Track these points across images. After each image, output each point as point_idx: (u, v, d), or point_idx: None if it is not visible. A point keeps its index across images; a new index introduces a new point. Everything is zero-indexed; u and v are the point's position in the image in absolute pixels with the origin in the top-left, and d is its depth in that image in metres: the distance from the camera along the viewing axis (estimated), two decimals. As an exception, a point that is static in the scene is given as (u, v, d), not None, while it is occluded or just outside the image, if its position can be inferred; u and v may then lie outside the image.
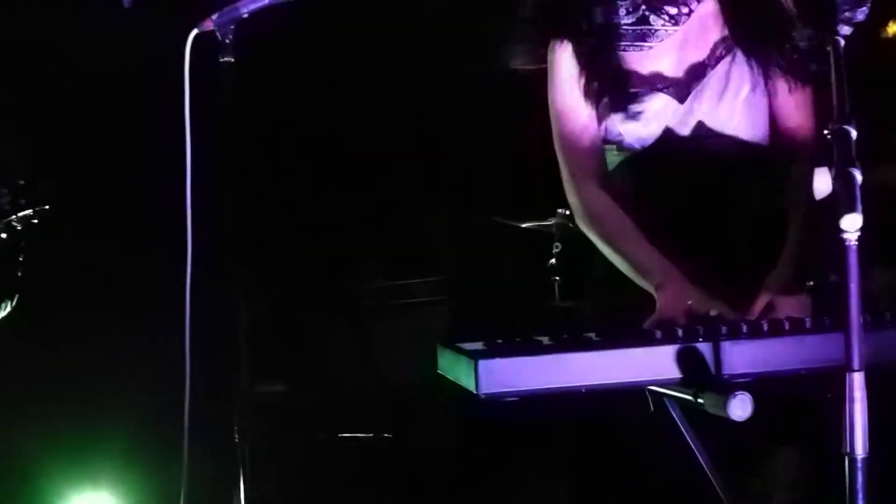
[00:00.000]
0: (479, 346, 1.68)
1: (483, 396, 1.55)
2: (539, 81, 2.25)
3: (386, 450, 4.53)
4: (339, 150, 4.81)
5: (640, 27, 2.10)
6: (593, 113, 2.14)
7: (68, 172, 3.72)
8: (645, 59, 2.11)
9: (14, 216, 2.55)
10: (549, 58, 2.18)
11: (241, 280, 2.27)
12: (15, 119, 2.86)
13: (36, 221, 2.59)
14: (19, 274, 2.73)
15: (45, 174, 2.68)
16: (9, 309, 2.72)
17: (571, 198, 2.18)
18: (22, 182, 2.56)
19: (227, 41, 2.20)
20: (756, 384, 1.53)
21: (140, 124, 4.06)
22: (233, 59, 2.22)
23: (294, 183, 4.82)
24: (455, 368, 1.71)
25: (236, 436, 2.25)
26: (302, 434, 4.57)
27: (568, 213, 3.74)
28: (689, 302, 1.85)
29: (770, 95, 2.10)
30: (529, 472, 3.82)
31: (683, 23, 2.09)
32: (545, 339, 1.68)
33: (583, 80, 2.13)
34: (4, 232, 2.54)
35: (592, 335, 1.70)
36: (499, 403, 1.58)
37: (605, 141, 2.18)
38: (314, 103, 4.77)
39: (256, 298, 4.61)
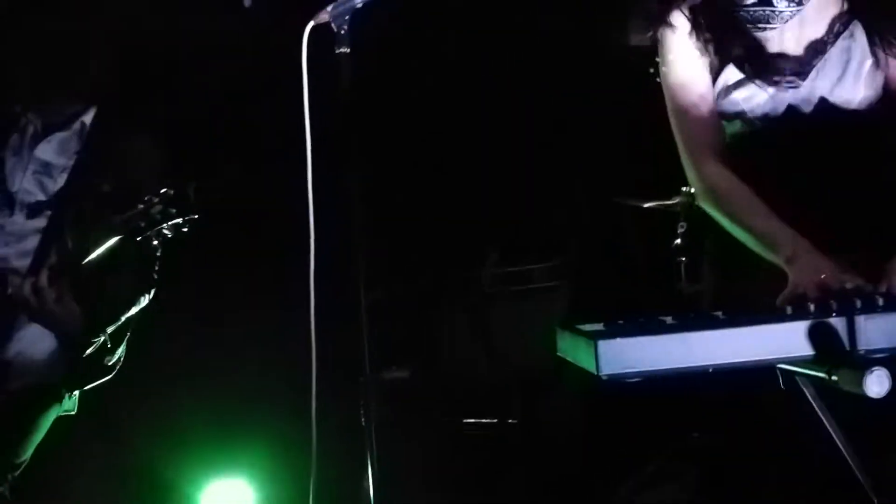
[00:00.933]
0: (598, 327, 1.67)
1: (604, 378, 1.54)
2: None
3: (510, 435, 4.53)
4: (458, 135, 4.82)
5: (762, 8, 2.09)
6: (710, 86, 2.12)
7: (205, 173, 3.84)
8: (766, 37, 2.10)
9: (165, 224, 2.61)
10: (663, 33, 2.16)
11: (363, 267, 2.30)
12: (157, 127, 2.97)
13: (186, 230, 2.65)
14: (157, 268, 2.83)
15: (188, 179, 2.76)
16: (146, 302, 2.83)
17: (691, 174, 2.16)
18: (171, 191, 2.61)
19: (343, 32, 2.24)
20: (894, 359, 1.47)
21: (263, 118, 4.17)
22: (349, 50, 2.26)
23: (414, 170, 4.86)
24: (575, 350, 1.70)
25: (363, 420, 2.29)
26: (427, 420, 4.62)
27: (692, 190, 3.66)
28: (823, 276, 1.80)
29: (888, 68, 2.08)
30: (655, 455, 3.76)
31: (806, 2, 2.07)
32: (668, 319, 1.66)
33: (702, 55, 2.12)
34: (156, 239, 2.62)
35: (719, 313, 1.67)
36: (621, 385, 1.57)
37: (724, 116, 2.15)
38: (432, 89, 4.79)
39: (379, 285, 4.70)
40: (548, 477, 4.02)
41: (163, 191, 2.58)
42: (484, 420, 4.60)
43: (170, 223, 2.59)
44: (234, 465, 3.75)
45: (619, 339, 1.54)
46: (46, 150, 2.80)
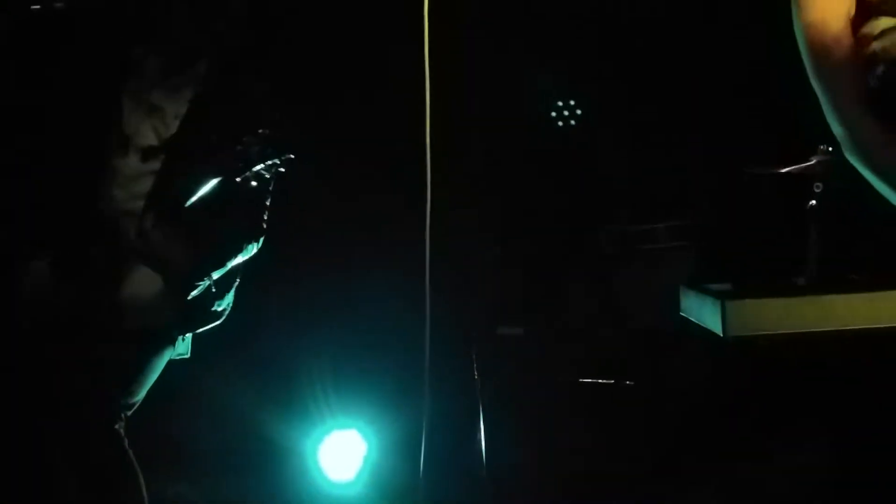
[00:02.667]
0: (726, 287, 1.58)
1: (730, 339, 1.45)
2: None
3: (627, 397, 4.44)
4: (583, 91, 4.70)
5: None
6: (849, 29, 1.94)
7: (308, 114, 3.84)
8: None
9: (262, 164, 2.65)
10: None
11: (476, 222, 2.25)
12: (256, 65, 2.97)
13: (283, 170, 2.68)
14: (265, 218, 2.85)
15: (286, 120, 2.77)
16: (255, 251, 2.85)
17: (836, 128, 1.99)
18: (268, 131, 2.64)
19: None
20: None
21: (375, 67, 4.12)
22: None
23: (536, 124, 4.77)
24: (700, 310, 1.62)
25: (476, 375, 2.26)
26: (542, 377, 4.57)
27: (831, 148, 3.46)
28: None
29: None
30: (782, 421, 3.61)
31: None
32: (801, 280, 1.55)
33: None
34: (255, 180, 2.65)
35: (854, 276, 1.55)
36: (747, 347, 1.48)
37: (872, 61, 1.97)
38: (556, 41, 4.67)
39: (498, 241, 4.64)
40: (665, 442, 3.92)
41: (259, 131, 2.60)
42: (600, 381, 4.53)
43: (267, 163, 2.62)
44: (349, 417, 3.79)
45: (748, 300, 1.45)
46: (161, 96, 2.84)
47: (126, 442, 2.72)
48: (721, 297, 1.47)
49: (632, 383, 4.39)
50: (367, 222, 4.19)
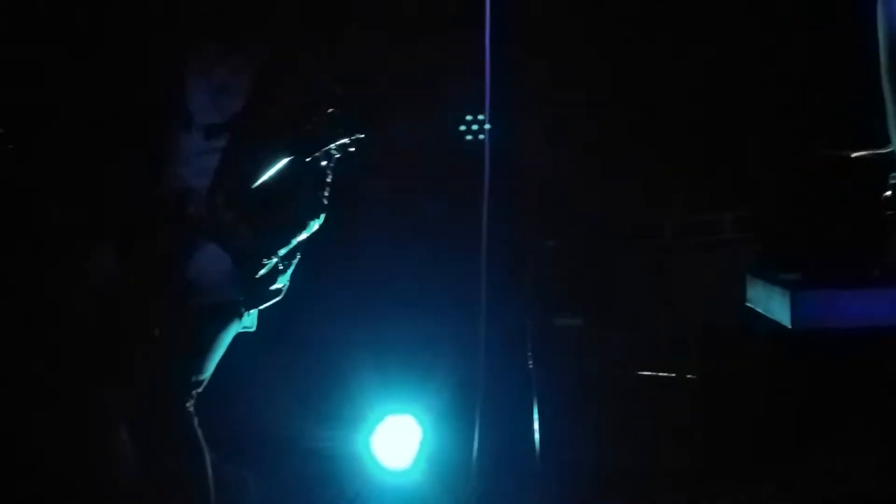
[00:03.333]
0: (795, 276, 1.51)
1: (799, 332, 1.39)
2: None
3: (689, 390, 4.35)
4: (646, 77, 4.62)
5: None
6: None
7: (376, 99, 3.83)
8: None
9: (333, 145, 2.65)
10: None
11: (533, 212, 2.22)
12: (327, 50, 2.96)
13: (353, 150, 2.69)
14: (327, 195, 2.85)
15: (352, 101, 2.76)
16: (315, 227, 2.85)
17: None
18: (338, 111, 2.65)
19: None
20: None
21: (437, 53, 4.09)
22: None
23: (595, 110, 4.69)
24: (767, 301, 1.55)
25: (530, 363, 2.22)
26: (600, 369, 4.51)
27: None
28: None
29: None
30: (851, 417, 3.50)
31: None
32: (876, 271, 1.48)
33: None
34: (324, 160, 2.66)
35: (935, 268, 1.47)
36: (817, 340, 1.42)
37: None
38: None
39: (557, 229, 4.59)
40: (727, 438, 3.83)
41: (329, 111, 2.60)
42: (661, 374, 4.46)
43: (337, 143, 2.61)
44: (406, 403, 3.78)
45: (819, 291, 1.39)
46: (227, 73, 2.84)
47: (196, 421, 2.75)
48: (791, 287, 1.41)
49: (693, 377, 4.31)
50: (425, 212, 4.18)
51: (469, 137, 3.83)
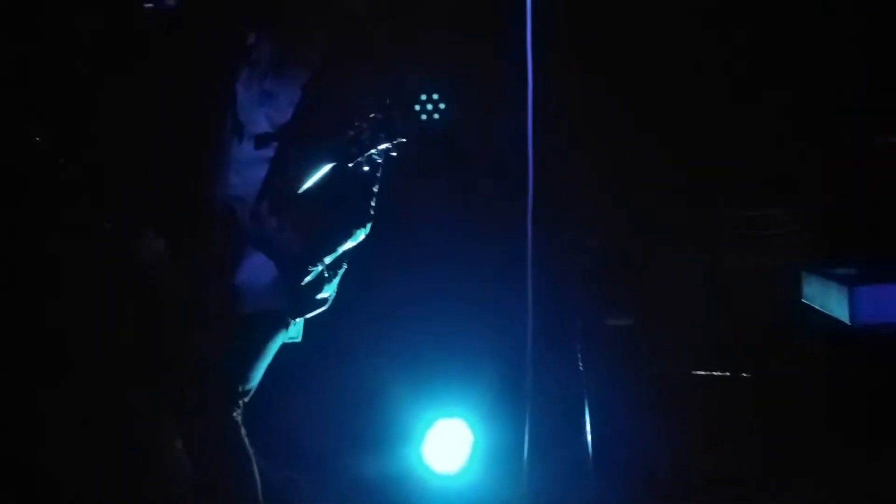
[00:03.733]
0: (853, 271, 1.45)
1: (858, 328, 1.34)
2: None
3: (744, 389, 4.28)
4: (694, 67, 4.55)
5: None
6: None
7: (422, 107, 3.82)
8: None
9: (374, 150, 2.65)
10: None
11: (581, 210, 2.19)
12: (381, 62, 2.96)
13: (395, 154, 2.68)
14: (373, 204, 2.84)
15: (395, 105, 2.74)
16: (362, 237, 2.85)
17: None
18: (380, 115, 2.64)
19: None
20: None
21: (482, 56, 4.07)
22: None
23: (640, 105, 4.63)
24: (825, 297, 1.50)
25: (580, 365, 2.18)
26: (652, 369, 4.45)
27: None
28: None
29: None
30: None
31: None
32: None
33: None
34: (367, 165, 2.66)
35: None
36: (877, 336, 1.36)
37: None
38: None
39: (602, 228, 4.54)
40: (784, 438, 3.76)
41: (371, 115, 2.59)
42: (714, 373, 4.39)
43: (379, 148, 2.60)
44: (455, 407, 3.76)
45: (879, 285, 1.33)
46: (275, 83, 2.85)
47: (243, 430, 2.76)
48: (849, 282, 1.35)
49: (748, 376, 4.24)
50: (472, 213, 4.16)
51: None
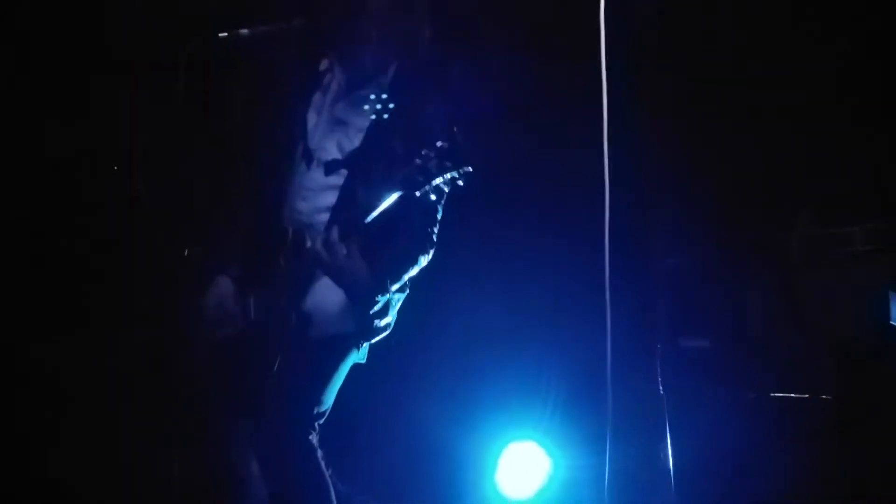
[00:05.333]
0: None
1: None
2: None
3: (825, 411, 4.17)
4: (767, 76, 4.47)
5: None
6: None
7: (494, 136, 3.82)
8: None
9: (441, 178, 2.65)
10: None
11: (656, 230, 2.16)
12: (452, 89, 2.97)
13: (461, 183, 2.68)
14: (436, 230, 2.86)
15: (461, 132, 2.75)
16: (425, 263, 2.86)
17: None
18: (446, 144, 2.65)
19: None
20: None
21: (555, 79, 4.05)
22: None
23: (710, 118, 4.57)
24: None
25: (661, 389, 2.15)
26: (730, 391, 4.37)
27: None
28: None
29: None
30: None
31: None
32: None
33: None
34: (434, 193, 2.66)
35: None
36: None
37: None
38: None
39: (679, 248, 4.47)
40: (868, 464, 3.65)
41: (438, 144, 2.60)
42: (794, 395, 4.29)
43: (446, 176, 2.61)
44: (531, 430, 3.72)
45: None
46: (346, 110, 2.88)
47: (319, 453, 2.77)
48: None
49: (829, 398, 4.13)
50: (548, 233, 4.13)
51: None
